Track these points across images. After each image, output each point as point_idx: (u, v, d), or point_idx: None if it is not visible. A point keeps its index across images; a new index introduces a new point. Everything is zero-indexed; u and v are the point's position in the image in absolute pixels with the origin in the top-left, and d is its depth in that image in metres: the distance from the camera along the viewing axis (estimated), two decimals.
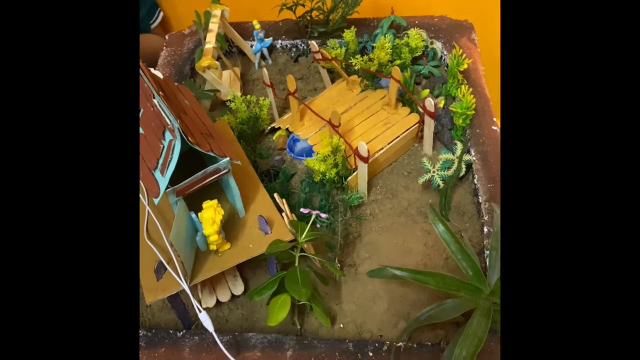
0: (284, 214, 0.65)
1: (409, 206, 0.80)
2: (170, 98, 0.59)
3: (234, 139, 0.74)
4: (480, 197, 0.77)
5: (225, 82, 0.98)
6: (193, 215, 0.60)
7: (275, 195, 0.68)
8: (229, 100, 0.89)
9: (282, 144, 0.87)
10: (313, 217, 0.64)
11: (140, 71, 0.58)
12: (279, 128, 0.89)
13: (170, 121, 0.53)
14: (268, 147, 0.89)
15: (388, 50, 0.86)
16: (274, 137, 0.89)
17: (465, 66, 0.85)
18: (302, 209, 0.64)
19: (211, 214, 0.58)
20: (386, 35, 0.93)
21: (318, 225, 0.78)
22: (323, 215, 0.64)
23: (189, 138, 0.54)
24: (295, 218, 0.69)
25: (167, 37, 1.09)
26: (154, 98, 0.56)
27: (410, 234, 0.75)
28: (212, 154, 0.57)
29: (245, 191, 0.68)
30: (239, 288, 0.71)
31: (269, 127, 0.90)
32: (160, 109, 0.55)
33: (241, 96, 0.89)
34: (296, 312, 0.68)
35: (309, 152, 0.85)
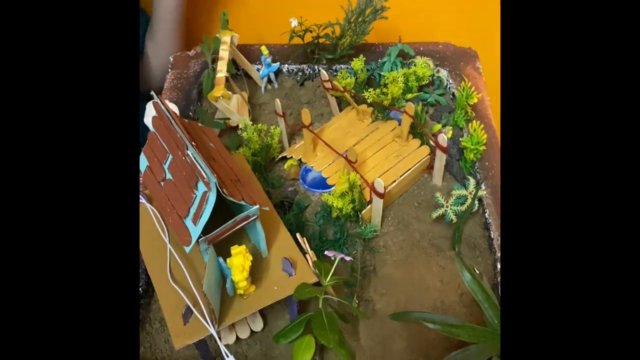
0: (307, 255, 0.66)
1: (421, 238, 0.82)
2: (199, 144, 0.59)
3: (252, 175, 0.75)
4: (492, 232, 0.79)
5: (233, 107, 0.98)
6: (221, 261, 0.60)
7: (297, 235, 0.69)
8: (240, 128, 0.89)
9: (294, 174, 0.88)
10: (337, 260, 0.65)
11: (173, 120, 0.58)
12: (291, 157, 0.90)
13: (207, 175, 0.54)
14: (279, 176, 0.90)
15: (400, 85, 0.87)
16: (285, 167, 0.90)
17: (476, 100, 0.87)
18: (327, 252, 0.66)
19: (241, 261, 0.59)
20: (399, 70, 0.94)
21: (332, 258, 0.79)
22: (347, 259, 0.65)
23: (224, 190, 0.54)
24: (315, 256, 0.70)
25: (171, 59, 1.08)
26: (188, 149, 0.56)
27: (426, 269, 0.77)
28: (243, 203, 0.58)
29: (266, 230, 0.69)
30: (258, 325, 0.72)
31: (279, 156, 0.91)
32: (194, 160, 0.55)
33: (252, 125, 0.89)
34: (317, 351, 0.69)
35: (321, 182, 0.86)
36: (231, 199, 0.56)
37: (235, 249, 0.60)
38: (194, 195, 0.56)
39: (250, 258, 0.60)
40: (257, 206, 0.59)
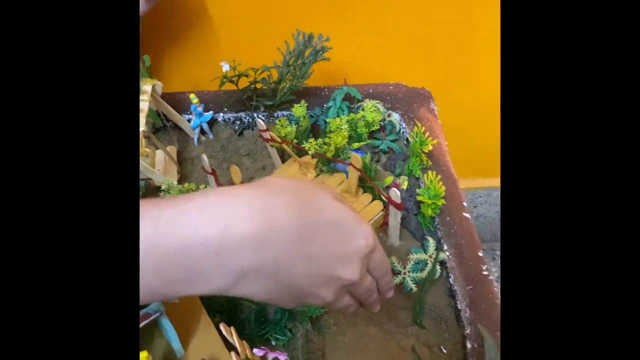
0: (233, 353, 0.53)
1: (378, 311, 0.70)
2: None
3: None
4: (459, 303, 0.67)
5: (159, 164, 0.85)
6: None
7: (222, 325, 0.56)
8: (163, 190, 0.76)
9: None
10: None
11: None
12: None
13: None
14: None
15: (345, 134, 0.77)
16: None
17: (430, 147, 0.77)
18: (255, 351, 0.52)
19: None
20: (339, 114, 0.84)
21: (274, 343, 0.66)
22: (282, 358, 0.52)
23: None
24: (248, 351, 0.56)
25: None
26: None
27: (385, 353, 0.65)
28: None
29: (182, 321, 0.56)
30: None
31: None
32: None
33: (177, 184, 0.77)
34: None
35: None
36: None
37: None
38: None
39: None
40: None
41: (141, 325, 0.47)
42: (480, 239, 0.74)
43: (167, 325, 0.50)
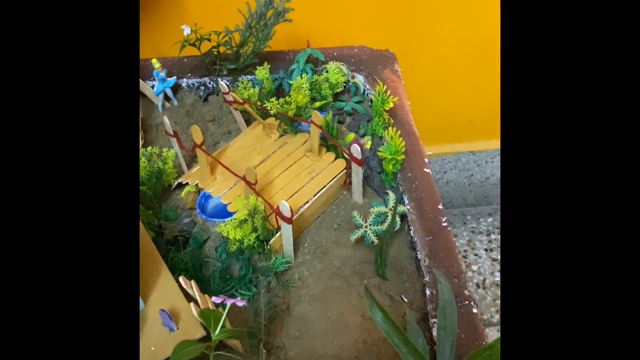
0: (192, 303, 0.54)
1: (342, 265, 0.71)
2: None
3: None
4: (418, 253, 0.69)
5: None
6: None
7: (181, 278, 0.56)
8: None
9: (192, 202, 0.76)
10: (228, 307, 0.53)
11: None
12: (187, 183, 0.77)
13: None
14: (176, 206, 0.77)
15: (306, 92, 0.77)
16: (182, 194, 0.77)
17: (391, 105, 0.77)
18: (214, 298, 0.53)
19: None
20: (302, 75, 0.84)
21: (239, 297, 0.67)
22: (240, 303, 0.53)
23: None
24: (209, 303, 0.57)
25: None
26: None
27: (346, 302, 0.66)
28: None
29: (143, 276, 0.56)
30: None
31: (176, 183, 0.78)
32: None
33: (141, 147, 0.76)
34: None
35: (224, 211, 0.73)
36: None
37: None
38: None
39: None
40: None
41: None
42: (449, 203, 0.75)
43: None
